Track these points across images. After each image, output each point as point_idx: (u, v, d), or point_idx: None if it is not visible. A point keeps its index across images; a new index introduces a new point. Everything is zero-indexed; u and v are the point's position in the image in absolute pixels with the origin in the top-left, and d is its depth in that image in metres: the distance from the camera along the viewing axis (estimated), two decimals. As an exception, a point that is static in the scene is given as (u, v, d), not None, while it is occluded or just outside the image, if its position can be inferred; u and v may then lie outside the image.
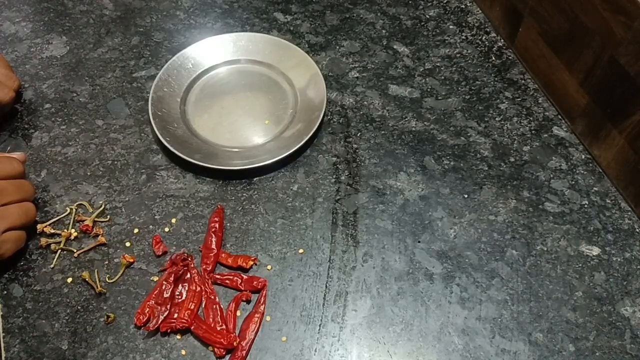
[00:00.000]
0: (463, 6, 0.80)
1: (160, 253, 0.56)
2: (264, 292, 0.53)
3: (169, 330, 0.50)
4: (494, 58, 0.74)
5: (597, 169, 0.62)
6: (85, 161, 0.63)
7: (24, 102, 0.69)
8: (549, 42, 0.66)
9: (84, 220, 0.58)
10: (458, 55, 0.74)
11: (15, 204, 0.52)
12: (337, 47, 0.75)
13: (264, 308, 0.52)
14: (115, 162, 0.63)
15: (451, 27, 0.77)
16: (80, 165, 0.63)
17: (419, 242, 0.57)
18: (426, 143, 0.65)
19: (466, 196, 0.60)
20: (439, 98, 0.69)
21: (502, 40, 0.75)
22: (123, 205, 0.60)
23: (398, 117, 0.67)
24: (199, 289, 0.53)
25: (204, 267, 0.54)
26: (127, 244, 0.57)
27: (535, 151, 0.64)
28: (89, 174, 0.62)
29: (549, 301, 0.53)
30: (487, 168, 0.63)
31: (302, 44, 0.75)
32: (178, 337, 0.51)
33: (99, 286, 0.53)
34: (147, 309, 0.51)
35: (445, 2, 0.81)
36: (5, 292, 0.54)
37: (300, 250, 0.56)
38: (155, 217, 0.59)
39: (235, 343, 0.49)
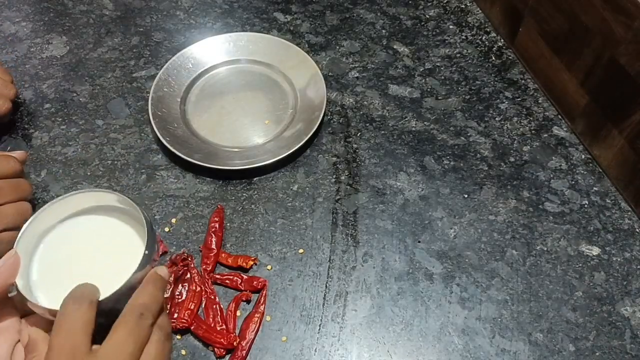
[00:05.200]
0: (463, 6, 0.80)
1: (160, 253, 0.56)
2: (264, 292, 0.53)
3: (169, 330, 0.50)
4: (494, 58, 0.74)
5: (597, 169, 0.62)
6: (85, 161, 0.63)
7: (24, 102, 0.69)
8: (549, 42, 0.66)
9: (84, 220, 0.58)
10: (458, 55, 0.74)
11: (11, 204, 0.52)
12: (337, 47, 0.75)
13: (264, 308, 0.52)
14: (115, 162, 0.63)
15: (451, 27, 0.77)
16: (80, 165, 0.63)
17: (419, 242, 0.57)
18: (426, 143, 0.65)
19: (466, 196, 0.60)
20: (439, 98, 0.69)
21: (502, 40, 0.75)
22: (123, 205, 0.60)
23: (398, 117, 0.67)
24: (199, 289, 0.53)
25: (204, 267, 0.54)
26: (127, 244, 0.57)
27: (535, 151, 0.64)
28: (89, 174, 0.62)
29: (549, 301, 0.53)
30: (487, 168, 0.63)
31: (302, 44, 0.75)
32: (178, 337, 0.51)
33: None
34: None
35: (445, 2, 0.81)
36: (5, 292, 0.54)
37: (300, 250, 0.56)
38: (155, 217, 0.59)
39: (235, 343, 0.49)
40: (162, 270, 0.43)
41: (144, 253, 0.42)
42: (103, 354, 0.36)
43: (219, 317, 0.51)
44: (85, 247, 0.46)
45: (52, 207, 0.45)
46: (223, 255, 0.55)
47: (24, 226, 0.44)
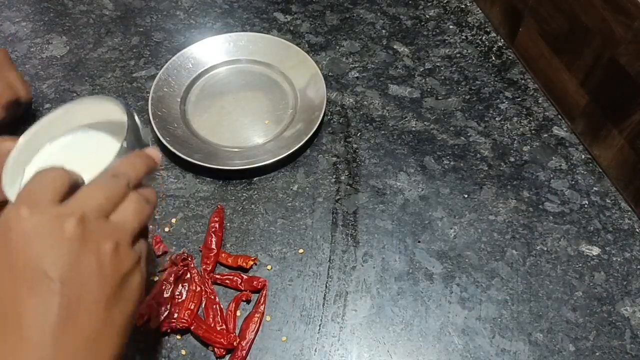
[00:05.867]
0: (463, 6, 0.80)
1: (160, 253, 0.56)
2: (264, 292, 0.53)
3: (169, 330, 0.50)
4: (494, 58, 0.74)
5: (597, 169, 0.62)
6: (85, 161, 0.63)
7: (24, 102, 0.69)
8: (549, 42, 0.66)
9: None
10: (458, 55, 0.74)
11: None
12: (337, 47, 0.75)
13: (264, 308, 0.52)
14: (115, 162, 0.63)
15: (451, 27, 0.77)
16: (80, 165, 0.63)
17: (419, 242, 0.57)
18: (426, 143, 0.65)
19: (466, 196, 0.60)
20: (439, 98, 0.69)
21: (502, 40, 0.75)
22: (123, 205, 0.60)
23: (398, 117, 0.67)
24: (199, 289, 0.53)
25: (204, 267, 0.54)
26: (127, 244, 0.57)
27: (535, 151, 0.64)
28: (89, 174, 0.62)
29: (549, 301, 0.53)
30: (487, 168, 0.63)
31: (302, 44, 0.75)
32: (178, 337, 0.51)
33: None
34: (147, 309, 0.51)
35: (445, 2, 0.81)
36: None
37: (300, 250, 0.56)
38: (155, 217, 0.59)
39: (235, 343, 0.49)
40: (152, 151, 0.40)
41: (122, 145, 0.38)
42: (68, 204, 0.32)
43: (219, 317, 0.51)
44: (78, 160, 0.42)
45: (53, 117, 0.43)
46: (223, 255, 0.55)
47: (20, 139, 0.42)
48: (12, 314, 0.30)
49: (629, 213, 0.59)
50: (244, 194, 0.61)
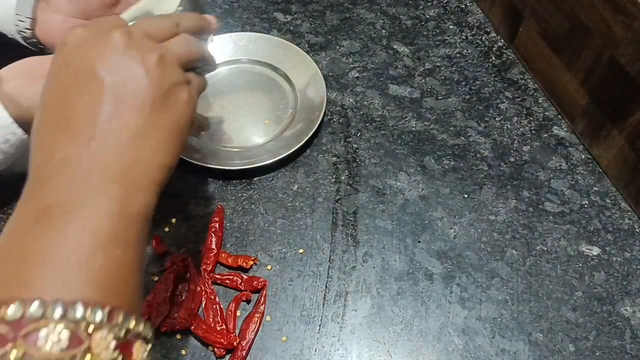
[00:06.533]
0: (463, 6, 0.80)
1: (160, 253, 0.56)
2: (264, 292, 0.53)
3: (169, 330, 0.50)
4: (494, 58, 0.74)
5: (597, 169, 0.62)
6: (85, 161, 0.63)
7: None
8: (549, 42, 0.66)
9: (84, 220, 0.57)
10: (458, 55, 0.74)
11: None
12: (337, 47, 0.75)
13: (264, 308, 0.52)
14: (115, 162, 0.63)
15: (451, 27, 0.77)
16: (80, 165, 0.63)
17: (419, 242, 0.57)
18: (426, 143, 0.65)
19: (466, 196, 0.60)
20: (439, 98, 0.69)
21: (502, 40, 0.75)
22: (123, 205, 0.60)
23: (398, 117, 0.67)
24: (199, 289, 0.53)
25: (204, 267, 0.54)
26: (127, 244, 0.57)
27: (535, 151, 0.64)
28: (89, 174, 0.62)
29: (549, 301, 0.53)
30: (487, 168, 0.63)
31: (302, 44, 0.75)
32: (178, 337, 0.51)
33: (99, 286, 0.53)
34: (147, 309, 0.51)
35: (445, 2, 0.81)
36: (5, 292, 0.54)
37: (300, 250, 0.56)
38: (155, 217, 0.58)
39: (235, 343, 0.49)
40: (208, 15, 0.44)
41: (176, 9, 0.42)
42: (131, 26, 0.36)
43: (219, 317, 0.51)
44: None
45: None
46: (223, 255, 0.55)
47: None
48: (65, 111, 0.33)
49: (629, 213, 0.59)
50: (244, 194, 0.61)
